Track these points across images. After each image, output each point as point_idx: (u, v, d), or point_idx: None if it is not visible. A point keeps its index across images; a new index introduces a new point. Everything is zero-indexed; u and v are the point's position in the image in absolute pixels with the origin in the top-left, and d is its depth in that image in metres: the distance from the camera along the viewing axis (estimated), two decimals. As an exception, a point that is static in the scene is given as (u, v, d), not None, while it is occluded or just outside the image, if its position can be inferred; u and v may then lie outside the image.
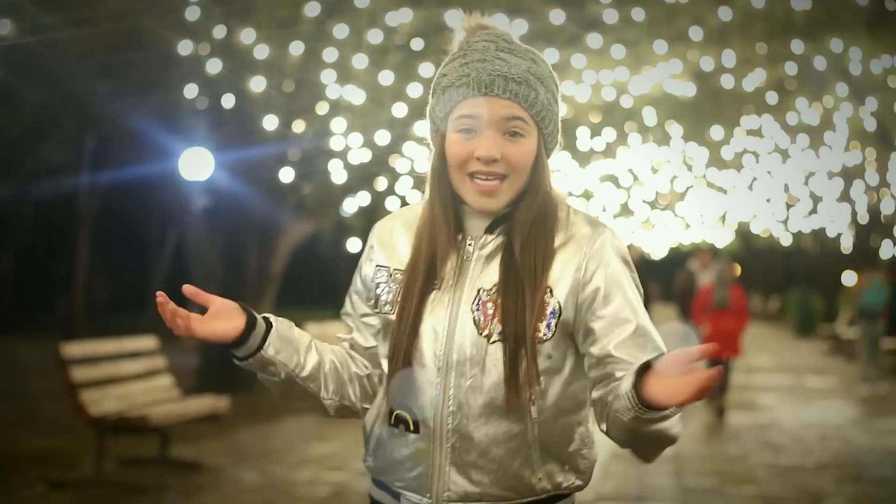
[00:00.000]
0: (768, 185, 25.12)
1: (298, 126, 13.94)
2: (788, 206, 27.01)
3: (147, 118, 14.03)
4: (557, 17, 11.53)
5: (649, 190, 26.28)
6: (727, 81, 17.20)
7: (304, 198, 15.87)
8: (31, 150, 19.96)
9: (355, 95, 13.03)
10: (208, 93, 12.80)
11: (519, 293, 2.10)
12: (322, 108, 13.95)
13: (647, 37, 13.48)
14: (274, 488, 8.46)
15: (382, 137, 14.18)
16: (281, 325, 2.22)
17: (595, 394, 2.15)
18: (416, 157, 16.81)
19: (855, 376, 16.90)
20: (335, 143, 13.96)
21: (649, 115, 17.88)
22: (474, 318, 2.12)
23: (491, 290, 2.14)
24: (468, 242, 2.21)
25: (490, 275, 2.16)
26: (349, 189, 16.36)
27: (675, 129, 19.44)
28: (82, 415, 8.38)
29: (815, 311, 29.95)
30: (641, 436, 1.98)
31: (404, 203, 23.77)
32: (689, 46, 13.98)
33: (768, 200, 26.13)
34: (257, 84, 11.83)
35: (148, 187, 22.97)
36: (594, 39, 12.46)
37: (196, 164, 12.92)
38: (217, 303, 2.12)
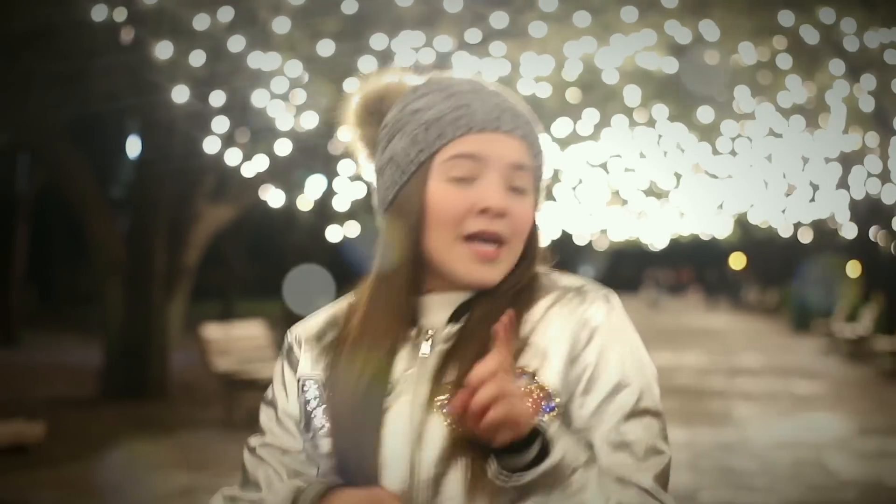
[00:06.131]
0: (765, 172, 23.86)
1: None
2: (786, 195, 25.75)
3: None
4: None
5: (641, 177, 25.05)
6: (710, 57, 15.93)
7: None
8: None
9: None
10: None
11: None
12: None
13: (615, 3, 12.23)
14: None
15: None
16: None
17: None
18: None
19: (848, 380, 15.68)
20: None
21: (631, 95, 16.57)
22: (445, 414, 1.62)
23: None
24: (426, 338, 1.69)
25: (455, 370, 1.63)
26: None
27: (659, 110, 18.09)
28: None
29: (811, 305, 28.71)
30: None
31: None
32: (663, 16, 12.72)
33: (766, 186, 24.87)
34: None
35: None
36: (548, 2, 11.19)
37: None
38: None
